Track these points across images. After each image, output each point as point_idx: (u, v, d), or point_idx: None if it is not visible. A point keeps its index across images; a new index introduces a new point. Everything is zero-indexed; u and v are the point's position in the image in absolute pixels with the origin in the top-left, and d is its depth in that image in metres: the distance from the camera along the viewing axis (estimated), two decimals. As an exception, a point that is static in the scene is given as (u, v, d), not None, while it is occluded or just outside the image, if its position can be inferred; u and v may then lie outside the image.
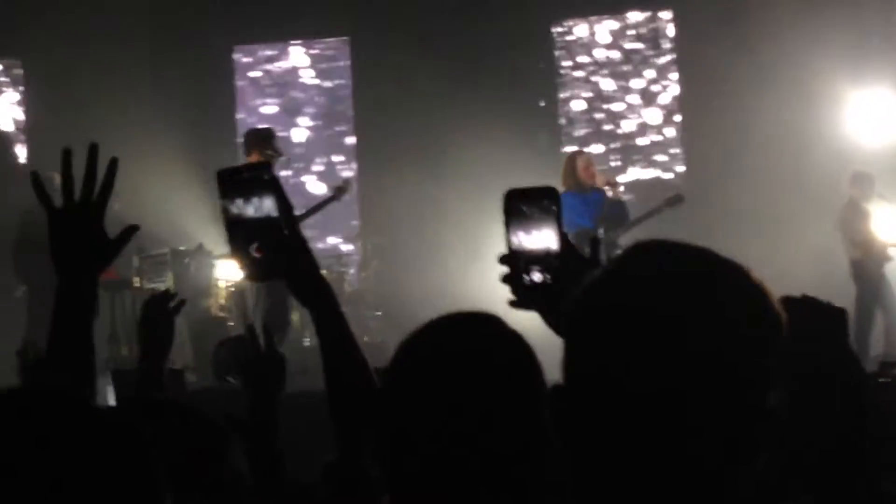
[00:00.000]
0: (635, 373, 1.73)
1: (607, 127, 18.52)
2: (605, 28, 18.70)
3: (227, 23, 18.13)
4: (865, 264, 14.24)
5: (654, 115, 18.40)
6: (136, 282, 15.53)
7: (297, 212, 12.75)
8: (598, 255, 2.64)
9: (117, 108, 16.79)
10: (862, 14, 16.98)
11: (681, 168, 18.09)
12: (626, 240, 13.25)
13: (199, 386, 12.34)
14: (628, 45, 18.58)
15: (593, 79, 18.73)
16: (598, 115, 18.60)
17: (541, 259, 2.56)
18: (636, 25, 18.55)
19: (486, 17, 17.80)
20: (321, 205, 13.75)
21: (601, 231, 12.99)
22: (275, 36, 19.24)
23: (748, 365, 1.74)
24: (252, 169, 2.68)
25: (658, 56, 18.49)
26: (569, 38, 18.88)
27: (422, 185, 17.17)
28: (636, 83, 18.52)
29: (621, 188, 13.31)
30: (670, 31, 18.40)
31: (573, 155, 13.61)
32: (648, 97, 18.47)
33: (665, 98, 18.41)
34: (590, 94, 18.70)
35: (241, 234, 2.63)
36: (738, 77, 16.70)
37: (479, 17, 17.78)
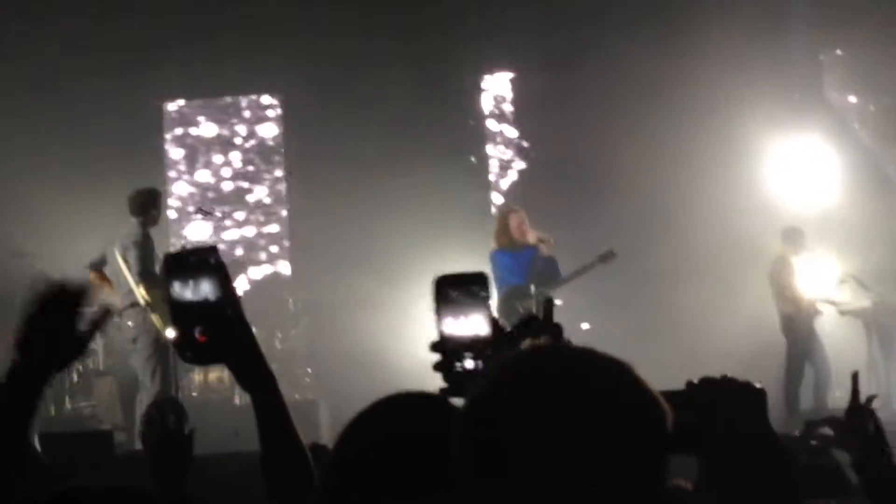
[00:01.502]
0: (524, 463, 1.82)
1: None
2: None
3: (157, 78, 18.03)
4: (796, 319, 14.34)
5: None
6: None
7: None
8: (550, 316, 2.62)
9: (42, 162, 16.63)
10: (786, 67, 17.19)
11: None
12: (559, 295, 13.28)
13: (127, 449, 12.17)
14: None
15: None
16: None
17: (472, 346, 2.54)
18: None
19: (417, 74, 17.84)
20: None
21: (532, 288, 12.99)
22: (206, 92, 19.17)
23: (629, 452, 1.85)
24: (198, 252, 2.66)
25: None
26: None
27: (352, 242, 17.11)
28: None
29: (553, 243, 13.26)
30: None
31: (506, 212, 13.60)
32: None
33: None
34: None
35: (184, 317, 2.61)
36: (658, 132, 16.82)
37: (411, 74, 17.81)
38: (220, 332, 2.62)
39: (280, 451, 2.77)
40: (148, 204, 12.99)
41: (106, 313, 2.87)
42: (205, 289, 2.60)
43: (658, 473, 1.86)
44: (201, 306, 2.61)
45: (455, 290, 2.54)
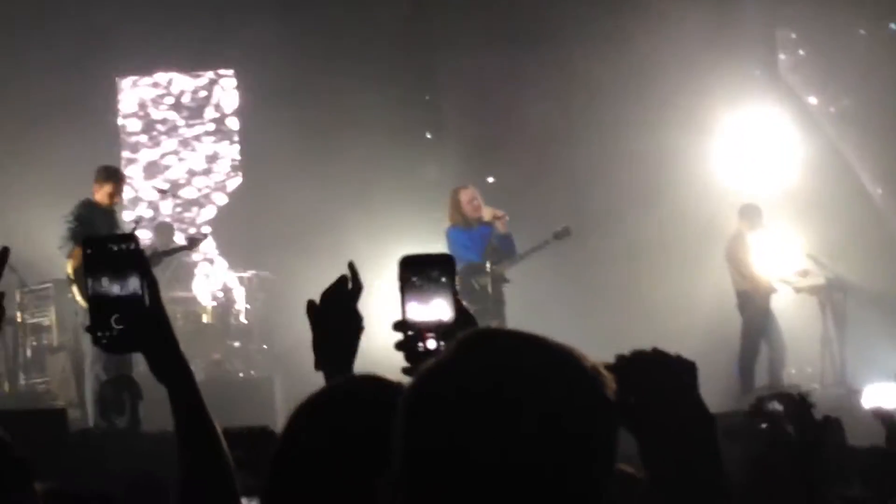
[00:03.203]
0: (470, 458, 1.80)
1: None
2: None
3: (111, 54, 17.96)
4: (752, 296, 14.39)
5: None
6: (18, 317, 15.27)
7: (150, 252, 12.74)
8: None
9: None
10: (741, 42, 17.25)
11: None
12: (513, 273, 13.29)
13: (81, 426, 12.12)
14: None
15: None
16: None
17: (436, 326, 2.54)
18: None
19: (374, 49, 17.83)
20: (173, 251, 13.60)
21: (488, 265, 12.99)
22: (159, 66, 19.13)
23: (575, 444, 1.83)
24: (119, 240, 2.63)
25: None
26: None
27: (309, 216, 17.08)
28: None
29: (507, 220, 13.25)
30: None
31: (457, 189, 13.57)
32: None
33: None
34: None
35: (102, 306, 2.58)
36: (616, 110, 16.88)
37: (367, 51, 17.79)
38: (136, 323, 2.60)
39: (196, 449, 2.71)
40: (100, 179, 12.85)
41: (3, 249, 2.91)
42: (122, 279, 2.58)
43: (605, 469, 1.86)
44: (117, 298, 2.59)
45: (417, 275, 2.54)
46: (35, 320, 15.48)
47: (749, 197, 15.27)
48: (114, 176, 12.97)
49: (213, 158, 19.35)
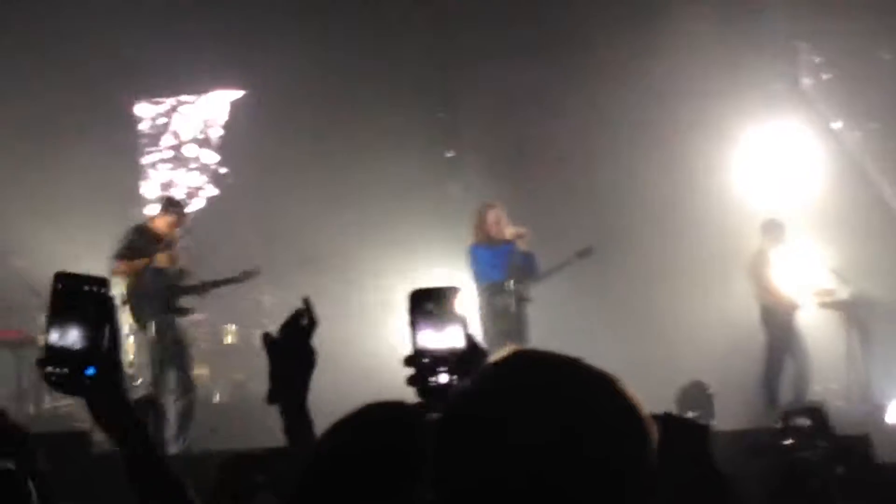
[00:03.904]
0: (505, 485, 1.76)
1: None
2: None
3: (129, 78, 18.04)
4: (775, 312, 14.33)
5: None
6: (41, 340, 15.27)
7: (200, 281, 12.92)
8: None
9: (25, 162, 16.63)
10: (760, 56, 17.21)
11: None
12: (535, 291, 13.27)
13: (107, 448, 12.11)
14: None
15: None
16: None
17: (447, 359, 2.52)
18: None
19: (393, 67, 17.86)
20: (223, 283, 13.67)
21: (511, 283, 12.98)
22: (175, 90, 19.24)
23: (620, 472, 1.79)
24: (93, 282, 2.60)
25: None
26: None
27: (328, 235, 17.08)
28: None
29: (529, 238, 13.23)
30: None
31: (483, 208, 13.56)
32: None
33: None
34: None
35: (59, 345, 2.56)
36: (636, 129, 16.86)
37: (386, 69, 17.83)
38: (91, 368, 2.57)
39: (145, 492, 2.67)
40: (163, 208, 13.19)
41: None
42: (86, 322, 2.55)
43: (642, 497, 1.82)
44: (78, 339, 2.55)
45: (430, 304, 2.53)
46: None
47: (772, 212, 15.22)
48: (176, 208, 13.19)
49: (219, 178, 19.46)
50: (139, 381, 14.73)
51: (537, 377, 1.84)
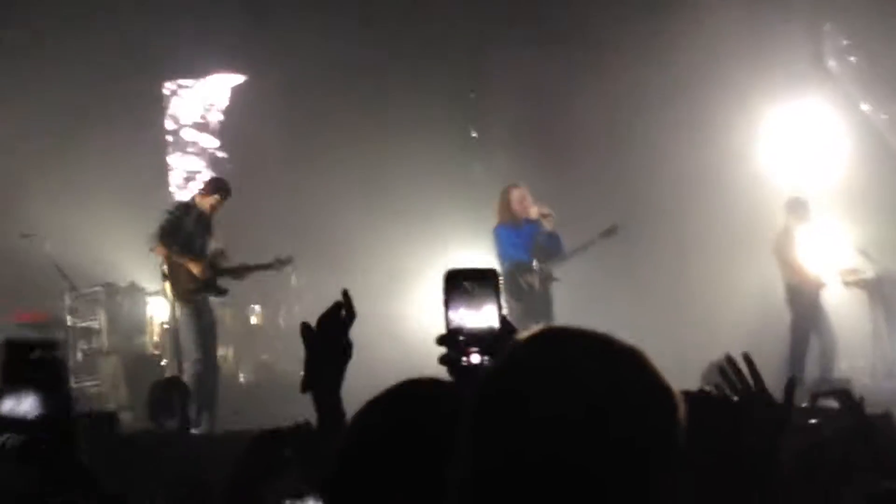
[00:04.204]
0: (542, 461, 1.77)
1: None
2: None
3: (157, 59, 18.07)
4: (800, 290, 14.29)
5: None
6: (69, 321, 15.37)
7: (238, 264, 12.99)
8: None
9: (48, 143, 16.70)
10: (786, 36, 17.13)
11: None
12: (560, 271, 13.26)
13: (135, 428, 12.18)
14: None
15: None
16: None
17: (481, 338, 2.52)
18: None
19: (419, 47, 17.85)
20: (257, 268, 13.69)
21: (536, 263, 12.98)
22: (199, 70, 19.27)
23: (646, 445, 1.80)
24: (42, 346, 2.60)
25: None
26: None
27: (352, 215, 17.09)
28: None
29: (554, 218, 13.20)
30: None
31: (508, 188, 13.54)
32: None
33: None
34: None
35: (13, 420, 2.56)
36: (661, 109, 16.81)
37: (413, 49, 17.82)
38: (43, 444, 2.56)
39: None
40: (209, 188, 13.21)
41: None
42: (34, 400, 2.55)
43: (668, 474, 1.82)
44: (27, 420, 2.55)
45: (467, 283, 2.53)
46: (85, 324, 15.57)
47: (796, 191, 15.17)
48: (223, 189, 13.18)
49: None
50: (164, 361, 14.82)
51: (565, 353, 1.84)
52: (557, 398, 1.79)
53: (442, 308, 2.52)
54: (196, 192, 13.40)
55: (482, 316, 2.49)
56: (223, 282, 13.09)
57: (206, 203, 13.00)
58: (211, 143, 19.59)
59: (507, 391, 1.83)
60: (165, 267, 12.73)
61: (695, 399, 2.07)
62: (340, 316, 3.08)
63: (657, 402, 1.84)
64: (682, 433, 1.85)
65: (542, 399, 1.79)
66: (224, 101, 19.83)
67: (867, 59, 17.54)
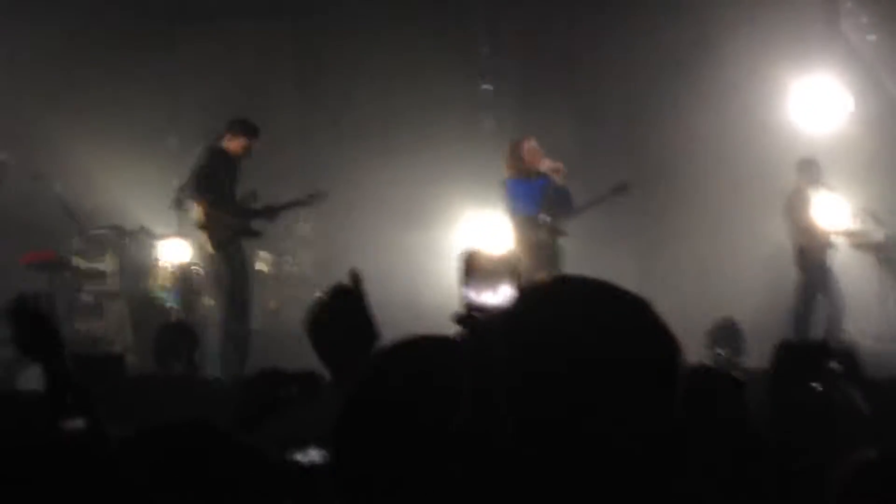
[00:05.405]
0: (537, 399, 1.82)
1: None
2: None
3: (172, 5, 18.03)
4: (809, 251, 14.29)
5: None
6: (76, 261, 15.37)
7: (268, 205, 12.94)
8: None
9: (66, 86, 16.69)
10: (804, 5, 17.05)
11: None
12: (570, 227, 13.25)
13: (140, 372, 12.21)
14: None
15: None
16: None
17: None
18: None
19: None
20: (289, 206, 13.67)
21: (545, 217, 12.96)
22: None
23: (648, 387, 1.85)
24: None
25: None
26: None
27: (361, 166, 17.08)
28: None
29: (565, 172, 13.17)
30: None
31: (518, 140, 13.51)
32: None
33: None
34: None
35: None
36: (681, 71, 16.76)
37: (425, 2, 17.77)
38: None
39: None
40: (236, 131, 13.04)
41: None
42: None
43: (670, 412, 1.85)
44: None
45: (484, 262, 2.55)
46: (92, 265, 15.55)
47: (808, 152, 15.13)
48: (252, 131, 13.10)
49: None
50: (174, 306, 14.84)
51: (574, 297, 1.89)
52: (566, 340, 1.82)
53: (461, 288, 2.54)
54: (223, 134, 13.12)
55: (499, 295, 2.51)
56: (256, 224, 13.10)
57: (234, 146, 12.94)
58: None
59: (511, 333, 1.87)
60: (203, 217, 12.71)
61: (701, 373, 2.10)
62: (346, 302, 3.04)
63: (662, 346, 1.88)
64: (683, 378, 1.89)
65: (543, 344, 1.83)
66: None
67: (887, 36, 17.44)
